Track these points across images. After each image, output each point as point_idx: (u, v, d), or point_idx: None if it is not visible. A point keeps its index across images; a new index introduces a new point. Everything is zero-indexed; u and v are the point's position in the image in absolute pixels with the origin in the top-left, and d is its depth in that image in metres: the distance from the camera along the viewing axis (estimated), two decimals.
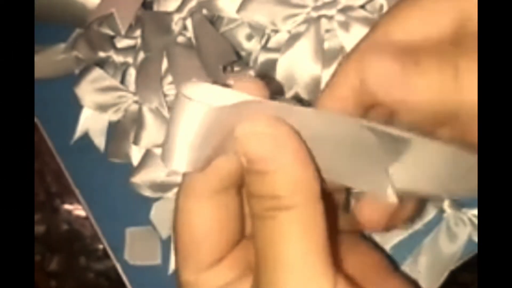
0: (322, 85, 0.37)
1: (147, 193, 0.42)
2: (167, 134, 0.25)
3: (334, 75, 0.29)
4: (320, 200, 0.26)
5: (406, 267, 0.40)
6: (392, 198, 0.28)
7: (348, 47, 0.37)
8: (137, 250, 0.43)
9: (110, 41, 0.44)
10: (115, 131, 0.44)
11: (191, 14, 0.40)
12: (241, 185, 0.28)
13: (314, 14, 0.37)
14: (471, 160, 0.26)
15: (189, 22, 0.41)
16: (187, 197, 0.28)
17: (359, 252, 0.33)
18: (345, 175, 0.28)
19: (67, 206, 0.47)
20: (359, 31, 0.36)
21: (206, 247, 0.28)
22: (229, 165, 0.27)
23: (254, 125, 0.25)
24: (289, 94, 0.38)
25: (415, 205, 0.32)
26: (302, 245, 0.25)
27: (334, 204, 0.32)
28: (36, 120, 0.45)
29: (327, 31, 0.38)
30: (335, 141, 0.26)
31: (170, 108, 0.41)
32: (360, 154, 0.27)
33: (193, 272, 0.28)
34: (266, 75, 0.39)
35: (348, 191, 0.33)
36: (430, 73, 0.26)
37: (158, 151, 0.42)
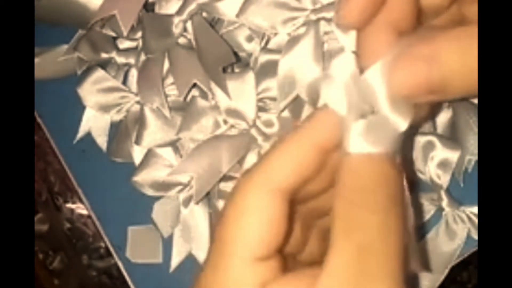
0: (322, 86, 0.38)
1: (149, 192, 0.42)
2: None
3: None
4: None
5: None
6: None
7: (347, 48, 0.37)
8: (139, 248, 0.44)
9: (112, 43, 0.44)
10: (117, 131, 0.44)
11: (191, 16, 0.41)
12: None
13: (313, 16, 0.38)
14: None
15: (189, 25, 0.41)
16: (255, 188, 0.27)
17: None
18: None
19: (69, 205, 0.47)
20: None
21: (262, 239, 0.27)
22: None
23: None
24: (290, 96, 0.38)
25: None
26: None
27: None
28: (39, 120, 0.45)
29: (326, 33, 0.38)
30: None
31: (172, 109, 0.42)
32: None
33: (239, 262, 0.27)
34: None
35: None
36: None
37: (159, 150, 0.42)
